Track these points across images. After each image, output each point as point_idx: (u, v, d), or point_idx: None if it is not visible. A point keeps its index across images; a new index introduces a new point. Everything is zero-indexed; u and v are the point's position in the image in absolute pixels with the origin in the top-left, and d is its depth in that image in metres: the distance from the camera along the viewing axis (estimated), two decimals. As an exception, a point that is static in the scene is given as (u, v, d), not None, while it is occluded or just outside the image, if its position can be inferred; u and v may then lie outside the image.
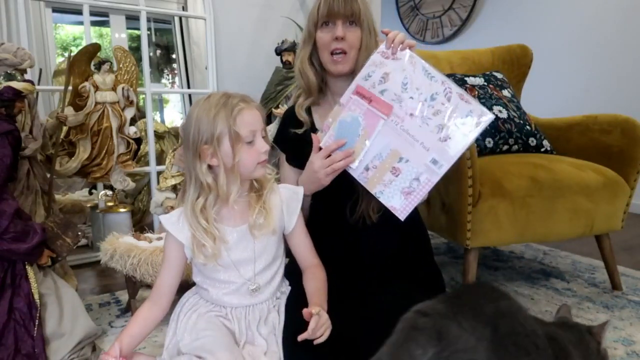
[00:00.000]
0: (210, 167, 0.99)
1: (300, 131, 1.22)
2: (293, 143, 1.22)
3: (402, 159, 1.05)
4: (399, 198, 1.05)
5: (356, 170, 1.08)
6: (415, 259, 1.22)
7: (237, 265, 1.03)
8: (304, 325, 0.92)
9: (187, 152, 0.99)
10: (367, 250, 1.17)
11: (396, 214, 1.05)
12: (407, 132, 1.04)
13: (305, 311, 0.93)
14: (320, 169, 1.08)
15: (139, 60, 2.50)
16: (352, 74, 1.15)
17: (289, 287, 1.14)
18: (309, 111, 1.25)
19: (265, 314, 1.06)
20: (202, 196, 0.99)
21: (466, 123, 1.01)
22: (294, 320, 1.00)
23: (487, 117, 1.00)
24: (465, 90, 1.89)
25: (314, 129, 1.20)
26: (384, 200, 1.07)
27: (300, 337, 0.91)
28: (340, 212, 1.17)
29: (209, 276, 1.05)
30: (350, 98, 1.08)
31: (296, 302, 1.06)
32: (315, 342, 0.92)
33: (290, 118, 1.26)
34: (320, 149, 1.10)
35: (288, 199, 1.09)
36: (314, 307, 0.95)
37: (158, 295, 1.04)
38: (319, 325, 0.92)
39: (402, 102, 1.04)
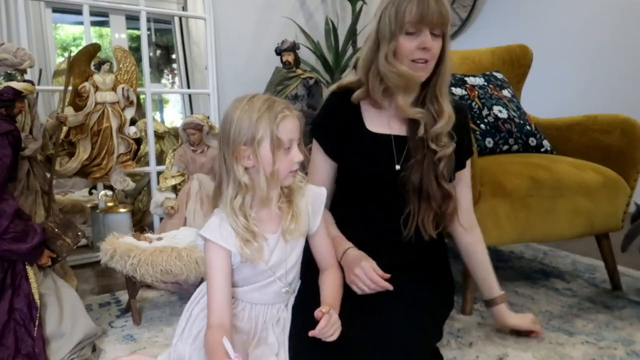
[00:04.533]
0: (246, 168, 0.99)
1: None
2: (336, 133, 1.18)
3: None
4: None
5: None
6: (431, 262, 1.22)
7: (273, 270, 1.04)
8: (310, 324, 0.91)
9: (226, 151, 0.98)
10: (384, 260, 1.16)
11: None
12: None
13: (317, 312, 0.93)
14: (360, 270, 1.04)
15: (139, 60, 2.50)
16: (427, 83, 1.13)
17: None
18: (358, 106, 1.20)
19: (280, 312, 1.07)
20: (240, 195, 0.99)
21: None
22: (301, 318, 1.00)
23: None
24: (465, 89, 1.90)
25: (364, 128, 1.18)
26: None
27: (311, 334, 0.90)
28: (392, 227, 1.15)
29: (248, 281, 1.05)
30: None
31: (304, 300, 1.06)
32: (324, 340, 0.91)
33: (336, 108, 1.21)
34: None
35: (313, 200, 1.09)
36: (325, 306, 0.95)
37: (220, 318, 0.96)
38: (329, 325, 0.91)
39: None
